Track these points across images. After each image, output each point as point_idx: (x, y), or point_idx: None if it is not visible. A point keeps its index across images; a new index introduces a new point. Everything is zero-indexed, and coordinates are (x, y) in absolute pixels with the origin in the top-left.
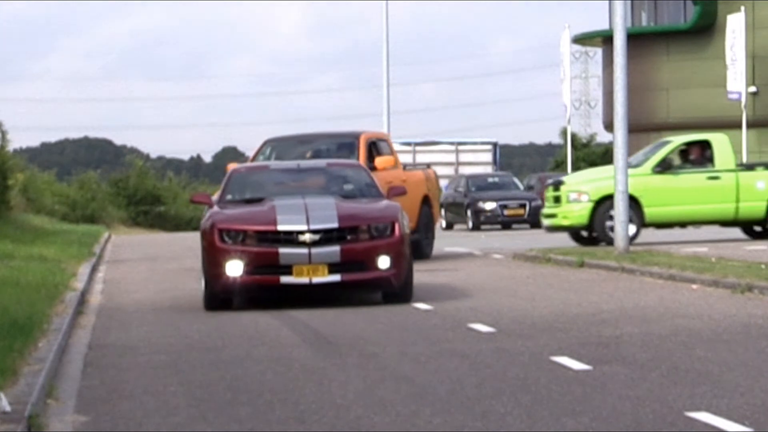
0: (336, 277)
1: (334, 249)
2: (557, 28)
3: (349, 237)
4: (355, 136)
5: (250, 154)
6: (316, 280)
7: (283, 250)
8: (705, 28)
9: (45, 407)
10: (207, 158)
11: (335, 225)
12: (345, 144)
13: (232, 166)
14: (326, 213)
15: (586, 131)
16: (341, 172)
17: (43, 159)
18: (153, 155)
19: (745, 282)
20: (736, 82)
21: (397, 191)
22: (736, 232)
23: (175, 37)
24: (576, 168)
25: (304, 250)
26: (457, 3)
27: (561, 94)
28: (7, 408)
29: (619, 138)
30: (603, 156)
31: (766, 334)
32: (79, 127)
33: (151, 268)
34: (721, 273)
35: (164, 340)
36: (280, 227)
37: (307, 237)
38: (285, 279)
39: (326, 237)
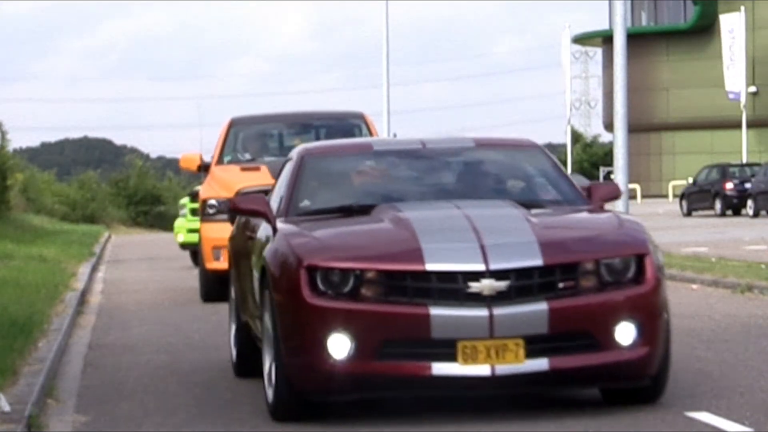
0: (541, 364)
1: (538, 308)
2: (557, 28)
3: (561, 285)
4: (359, 117)
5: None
6: (504, 369)
7: (438, 312)
8: (705, 28)
9: (45, 407)
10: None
11: (538, 262)
12: (348, 127)
13: (187, 158)
14: (515, 238)
15: (587, 131)
16: (504, 157)
17: (43, 159)
18: (153, 155)
19: (745, 282)
20: (736, 82)
21: (607, 192)
22: (738, 232)
23: (176, 37)
24: (578, 168)
25: (480, 312)
26: (457, 3)
27: (561, 94)
28: (7, 408)
29: (619, 138)
30: (605, 156)
31: (766, 334)
32: (79, 127)
33: (151, 268)
34: (721, 273)
35: (164, 340)
36: (432, 265)
37: (485, 285)
38: (441, 368)
39: (520, 285)
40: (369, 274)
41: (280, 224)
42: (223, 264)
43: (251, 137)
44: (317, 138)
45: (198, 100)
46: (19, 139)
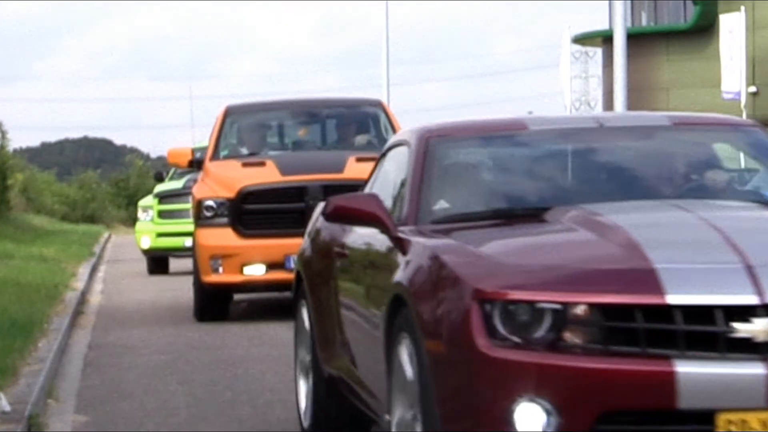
0: None
1: None
2: (557, 28)
3: None
4: (376, 104)
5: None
6: None
7: (687, 369)
8: (705, 28)
9: (45, 407)
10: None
11: None
12: (362, 116)
13: (176, 153)
14: None
15: None
16: (714, 141)
17: (43, 159)
18: (153, 155)
19: None
20: (733, 82)
21: None
22: None
23: (176, 37)
24: None
25: (752, 368)
26: (457, 3)
27: (561, 94)
28: (7, 408)
29: None
30: None
31: None
32: (79, 127)
33: None
34: None
35: (164, 340)
36: (676, 296)
37: (759, 328)
38: None
39: None
40: (576, 309)
41: (414, 237)
42: (222, 276)
43: (250, 128)
44: (323, 130)
45: (191, 99)
46: (19, 139)
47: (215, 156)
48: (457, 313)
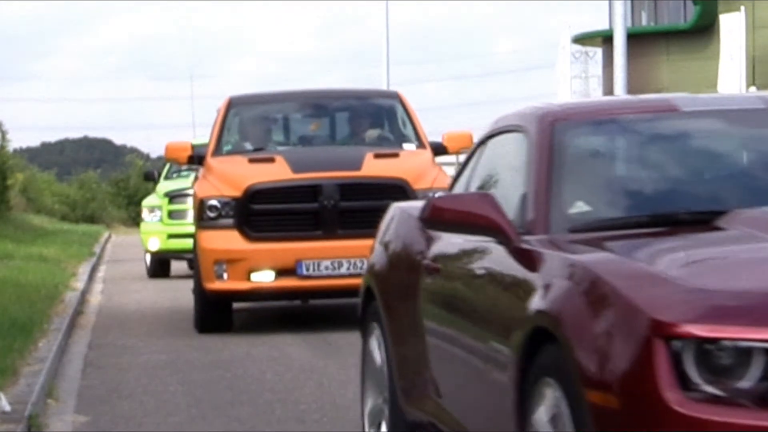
0: None
1: None
2: (557, 28)
3: None
4: (392, 96)
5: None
6: None
7: None
8: (705, 28)
9: (45, 407)
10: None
11: None
12: (375, 109)
13: (175, 147)
14: None
15: None
16: None
17: (43, 159)
18: (153, 155)
19: None
20: (729, 82)
21: None
22: None
23: (176, 37)
24: None
25: None
26: (457, 3)
27: (560, 95)
28: (7, 408)
29: None
30: None
31: None
32: (79, 127)
33: None
34: None
35: (164, 339)
36: None
37: None
38: None
39: None
40: None
41: (550, 249)
42: (227, 283)
43: (256, 121)
44: (332, 123)
45: (192, 99)
46: (19, 139)
47: (218, 151)
48: (633, 355)
